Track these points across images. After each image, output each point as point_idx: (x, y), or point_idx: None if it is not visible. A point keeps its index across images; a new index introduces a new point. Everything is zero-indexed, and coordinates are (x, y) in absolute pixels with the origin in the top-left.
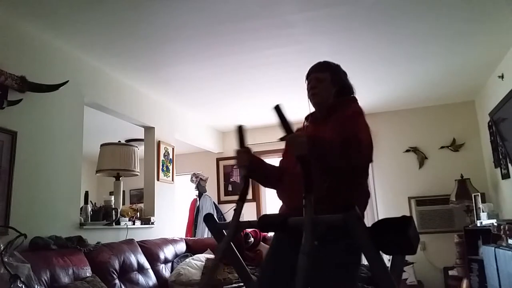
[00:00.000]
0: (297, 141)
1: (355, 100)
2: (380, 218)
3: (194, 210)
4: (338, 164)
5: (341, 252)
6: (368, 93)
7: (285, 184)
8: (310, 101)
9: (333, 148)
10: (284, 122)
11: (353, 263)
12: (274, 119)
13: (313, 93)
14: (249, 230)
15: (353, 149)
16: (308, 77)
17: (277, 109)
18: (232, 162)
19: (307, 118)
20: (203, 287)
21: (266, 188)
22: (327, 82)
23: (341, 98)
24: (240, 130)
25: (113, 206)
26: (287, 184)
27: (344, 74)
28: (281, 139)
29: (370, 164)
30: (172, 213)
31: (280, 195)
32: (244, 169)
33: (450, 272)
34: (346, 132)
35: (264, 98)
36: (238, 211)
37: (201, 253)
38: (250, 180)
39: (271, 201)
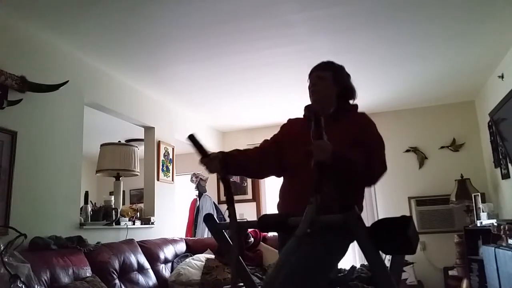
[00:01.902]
0: (323, 147)
1: (356, 107)
2: (380, 218)
3: (194, 210)
4: (358, 180)
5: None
6: (368, 93)
7: (294, 183)
8: (310, 98)
9: (358, 167)
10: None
11: (336, 251)
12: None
13: (313, 90)
14: (249, 230)
15: (379, 167)
16: (310, 75)
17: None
18: None
19: (293, 121)
20: None
21: (266, 188)
22: (328, 80)
23: (345, 104)
24: (194, 139)
25: (113, 206)
26: (297, 184)
27: (348, 75)
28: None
29: None
30: (172, 213)
31: (286, 193)
32: (220, 173)
33: (450, 272)
34: (373, 149)
35: (264, 98)
36: (232, 214)
37: (201, 253)
38: (230, 180)
39: (271, 201)
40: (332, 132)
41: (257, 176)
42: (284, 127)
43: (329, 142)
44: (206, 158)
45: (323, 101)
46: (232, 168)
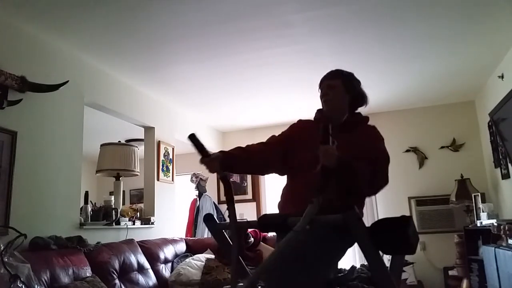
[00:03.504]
0: (330, 152)
1: (368, 119)
2: (380, 218)
3: (194, 210)
4: (359, 190)
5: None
6: (368, 93)
7: (298, 184)
8: (323, 108)
9: (363, 175)
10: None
11: (334, 247)
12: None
13: (325, 100)
14: (249, 230)
15: (381, 181)
16: (321, 85)
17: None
18: None
19: (304, 122)
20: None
21: (266, 188)
22: (339, 88)
23: (356, 115)
24: (195, 139)
25: (113, 206)
26: (301, 185)
27: (358, 82)
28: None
29: None
30: (172, 213)
31: (289, 193)
32: (219, 173)
33: (450, 272)
34: (378, 163)
35: (264, 98)
36: (232, 214)
37: (201, 253)
38: (230, 180)
39: (271, 201)
40: (341, 141)
41: (258, 173)
42: (294, 127)
43: (336, 149)
44: (207, 158)
45: (336, 110)
46: (233, 167)
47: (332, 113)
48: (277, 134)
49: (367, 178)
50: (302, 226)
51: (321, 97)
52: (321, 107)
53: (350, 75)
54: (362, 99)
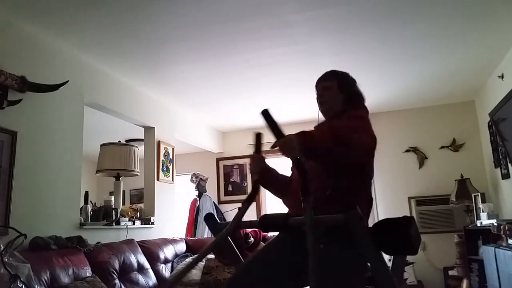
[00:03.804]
0: (289, 146)
1: (363, 107)
2: (380, 218)
3: (194, 210)
4: (330, 159)
5: (345, 256)
6: (368, 93)
7: (290, 192)
8: (319, 109)
9: (324, 141)
10: (273, 127)
11: (356, 267)
12: (263, 123)
13: (320, 101)
14: (249, 230)
15: (341, 142)
16: (316, 87)
17: (265, 113)
18: (231, 162)
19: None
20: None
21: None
22: (334, 89)
23: (349, 105)
24: (259, 137)
25: (113, 206)
26: (292, 192)
27: (353, 81)
28: (273, 147)
29: (371, 172)
30: (172, 213)
31: (285, 202)
32: (256, 175)
33: (450, 272)
34: (338, 129)
35: (264, 98)
36: (242, 211)
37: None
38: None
39: (271, 201)
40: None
41: (279, 197)
42: None
43: (293, 135)
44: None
45: (331, 111)
46: (268, 180)
47: (327, 114)
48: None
49: (335, 140)
50: (316, 248)
51: (317, 98)
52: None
53: (345, 75)
54: (357, 97)
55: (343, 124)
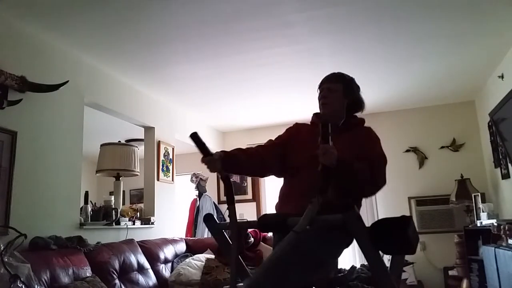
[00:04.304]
0: (331, 153)
1: (364, 121)
2: (380, 218)
3: (194, 210)
4: (359, 191)
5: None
6: (368, 93)
7: (296, 185)
8: (320, 110)
9: (362, 175)
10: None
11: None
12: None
13: (324, 103)
14: (249, 230)
15: (380, 181)
16: (321, 86)
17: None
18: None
19: (301, 125)
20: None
21: (266, 188)
22: (339, 93)
23: (353, 117)
24: (197, 138)
25: (113, 206)
26: (299, 186)
27: (358, 88)
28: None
29: None
30: (172, 213)
31: (286, 194)
32: (218, 173)
33: (450, 272)
34: (376, 163)
35: (264, 98)
36: (232, 214)
37: (201, 253)
38: (230, 180)
39: (271, 201)
40: (339, 142)
41: (257, 175)
42: (290, 130)
43: (336, 149)
44: (208, 157)
45: (333, 113)
46: (234, 167)
47: (329, 116)
48: (273, 138)
49: (367, 178)
50: (302, 227)
51: (320, 99)
52: (318, 110)
53: (352, 80)
54: (358, 104)
55: (374, 152)
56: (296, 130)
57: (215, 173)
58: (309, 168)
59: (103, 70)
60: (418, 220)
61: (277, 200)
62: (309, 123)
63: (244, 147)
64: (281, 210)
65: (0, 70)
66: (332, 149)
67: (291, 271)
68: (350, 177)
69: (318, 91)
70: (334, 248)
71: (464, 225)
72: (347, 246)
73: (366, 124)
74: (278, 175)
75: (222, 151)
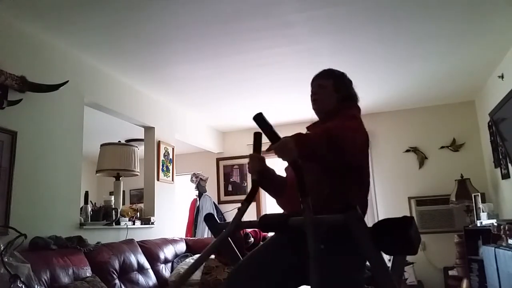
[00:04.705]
0: (286, 148)
1: (356, 106)
2: (380, 218)
3: (194, 210)
4: (325, 160)
5: (345, 254)
6: (368, 93)
7: (285, 192)
8: (312, 107)
9: (319, 143)
10: (268, 130)
11: (356, 265)
12: (258, 127)
13: (314, 99)
14: (249, 230)
15: (337, 143)
16: (312, 83)
17: (259, 118)
18: (231, 162)
19: (308, 128)
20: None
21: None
22: (329, 89)
23: (342, 104)
24: (258, 137)
25: (113, 206)
26: (287, 192)
27: (349, 82)
28: (268, 150)
29: (367, 176)
30: (172, 213)
31: (279, 203)
32: (255, 174)
33: (450, 272)
34: (333, 130)
35: (264, 98)
36: (242, 211)
37: (201, 253)
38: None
39: (271, 201)
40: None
41: (275, 197)
42: None
43: (289, 137)
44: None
45: (324, 110)
46: (266, 180)
47: (320, 113)
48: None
49: (329, 140)
50: (315, 249)
51: (311, 96)
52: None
53: (342, 75)
54: (351, 98)
55: (337, 125)
56: None
57: (215, 174)
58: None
59: (103, 70)
60: (418, 220)
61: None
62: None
63: (244, 147)
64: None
65: (0, 70)
66: (286, 143)
67: None
68: (315, 151)
69: (310, 87)
70: (355, 260)
71: (464, 225)
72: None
73: (365, 123)
74: None
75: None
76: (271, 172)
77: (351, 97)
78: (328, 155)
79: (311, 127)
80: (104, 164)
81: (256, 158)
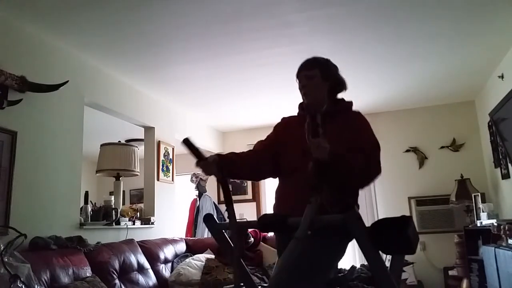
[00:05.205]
0: (321, 145)
1: (350, 101)
2: (380, 218)
3: (194, 210)
4: (354, 182)
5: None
6: (368, 93)
7: (292, 184)
8: (303, 101)
9: (355, 169)
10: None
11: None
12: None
13: (305, 93)
14: (249, 230)
15: (375, 170)
16: (298, 76)
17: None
18: None
19: (287, 120)
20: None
21: (266, 188)
22: (317, 79)
23: (337, 101)
24: (189, 143)
25: (113, 206)
26: (296, 185)
27: (335, 68)
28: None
29: None
30: (172, 213)
31: (283, 194)
32: (216, 176)
33: (450, 272)
34: (369, 152)
35: (264, 98)
36: (231, 215)
37: (201, 253)
38: (228, 182)
39: (271, 201)
40: (328, 130)
41: (253, 179)
42: (278, 126)
43: (327, 141)
44: (203, 161)
45: (316, 101)
46: (228, 171)
47: (313, 105)
48: (263, 138)
49: (361, 169)
50: (303, 233)
51: (300, 89)
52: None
53: (327, 62)
54: (340, 85)
55: (366, 141)
56: (284, 125)
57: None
58: (303, 165)
59: (103, 70)
60: (418, 220)
61: (274, 201)
62: (296, 114)
63: (244, 147)
64: (278, 211)
65: (0, 70)
66: (323, 143)
67: (291, 278)
68: (344, 170)
69: (297, 81)
70: (335, 254)
71: (464, 225)
72: (344, 253)
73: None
74: (274, 176)
75: (216, 155)
76: (230, 162)
77: (340, 84)
78: (358, 179)
79: (311, 116)
80: (104, 164)
81: (205, 164)
